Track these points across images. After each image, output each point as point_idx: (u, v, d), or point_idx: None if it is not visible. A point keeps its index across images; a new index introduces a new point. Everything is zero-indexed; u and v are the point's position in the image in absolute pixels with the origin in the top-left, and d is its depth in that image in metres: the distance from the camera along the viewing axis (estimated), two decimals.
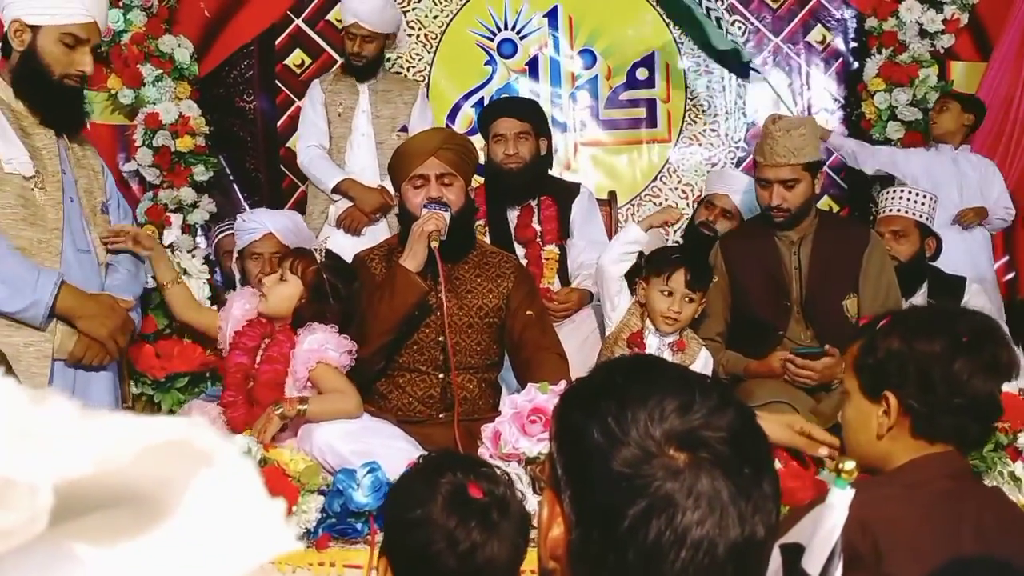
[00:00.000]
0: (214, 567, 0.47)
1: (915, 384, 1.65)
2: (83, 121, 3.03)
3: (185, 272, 3.49)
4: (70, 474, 0.41)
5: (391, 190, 4.31)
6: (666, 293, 3.18)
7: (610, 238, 4.15)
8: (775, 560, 1.00)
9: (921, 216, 3.93)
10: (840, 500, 0.96)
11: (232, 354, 2.96)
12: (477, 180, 3.86)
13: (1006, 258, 5.11)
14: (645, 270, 3.27)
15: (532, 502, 2.50)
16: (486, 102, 5.32)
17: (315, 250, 3.05)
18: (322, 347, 2.83)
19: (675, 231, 5.17)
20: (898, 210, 3.92)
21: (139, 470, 0.44)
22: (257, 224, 3.70)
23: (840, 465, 1.01)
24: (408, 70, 5.33)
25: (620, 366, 0.98)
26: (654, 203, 5.35)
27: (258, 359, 2.93)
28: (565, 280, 3.90)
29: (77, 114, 2.94)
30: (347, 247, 4.02)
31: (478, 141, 4.89)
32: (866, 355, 1.72)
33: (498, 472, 1.61)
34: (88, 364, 2.84)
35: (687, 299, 3.19)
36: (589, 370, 1.01)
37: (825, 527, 0.97)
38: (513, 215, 3.91)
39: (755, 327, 3.48)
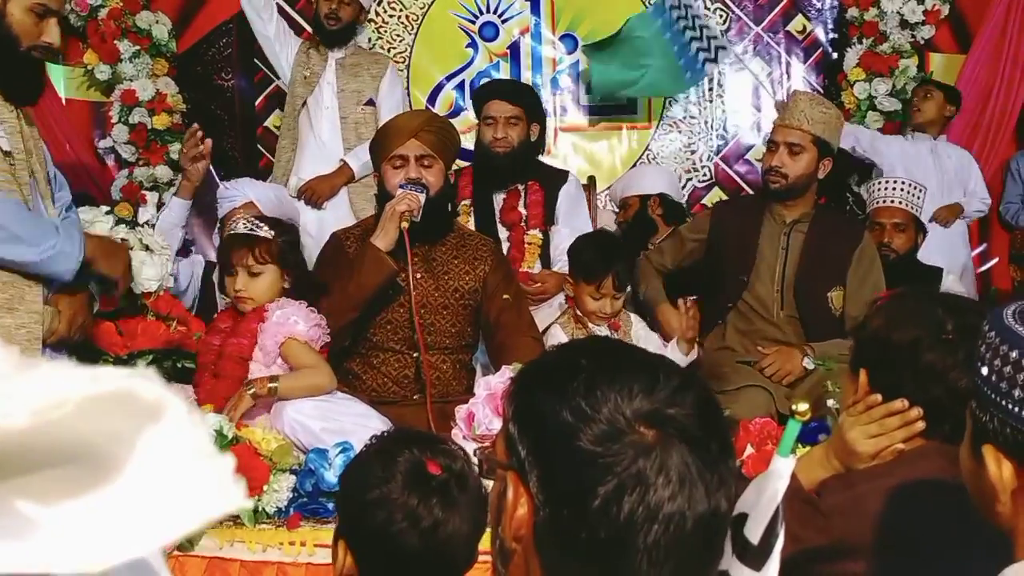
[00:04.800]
0: (160, 524, 0.46)
1: (883, 370, 1.65)
2: (41, 93, 2.95)
3: (147, 248, 3.44)
4: (5, 424, 0.40)
5: (351, 164, 4.29)
6: (597, 298, 3.24)
7: (592, 225, 4.17)
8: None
9: (917, 210, 3.95)
10: (782, 468, 0.97)
11: (207, 335, 2.96)
12: (459, 163, 3.85)
13: (982, 247, 5.14)
14: (572, 272, 3.32)
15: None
16: (467, 85, 5.30)
17: (242, 223, 2.98)
18: (290, 320, 2.81)
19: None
20: (900, 202, 3.93)
21: (83, 423, 0.43)
22: (238, 192, 3.70)
23: (793, 407, 1.01)
24: (389, 51, 5.29)
25: (582, 349, 1.00)
26: (612, 199, 5.34)
27: None
28: (546, 266, 3.90)
29: (40, 86, 2.86)
30: (309, 219, 4.04)
31: (460, 124, 4.89)
32: (859, 329, 1.72)
33: (453, 447, 1.60)
34: (71, 340, 2.81)
35: (615, 297, 3.27)
36: (542, 354, 1.01)
37: (767, 495, 0.97)
38: (499, 198, 3.90)
39: (716, 291, 3.52)
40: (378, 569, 1.51)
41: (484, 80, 5.08)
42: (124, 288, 2.95)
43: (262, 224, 2.92)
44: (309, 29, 5.10)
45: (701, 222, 3.69)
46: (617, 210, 4.84)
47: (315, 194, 4.23)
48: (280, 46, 4.38)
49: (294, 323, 2.81)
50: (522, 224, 3.87)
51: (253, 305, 2.89)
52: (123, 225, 4.11)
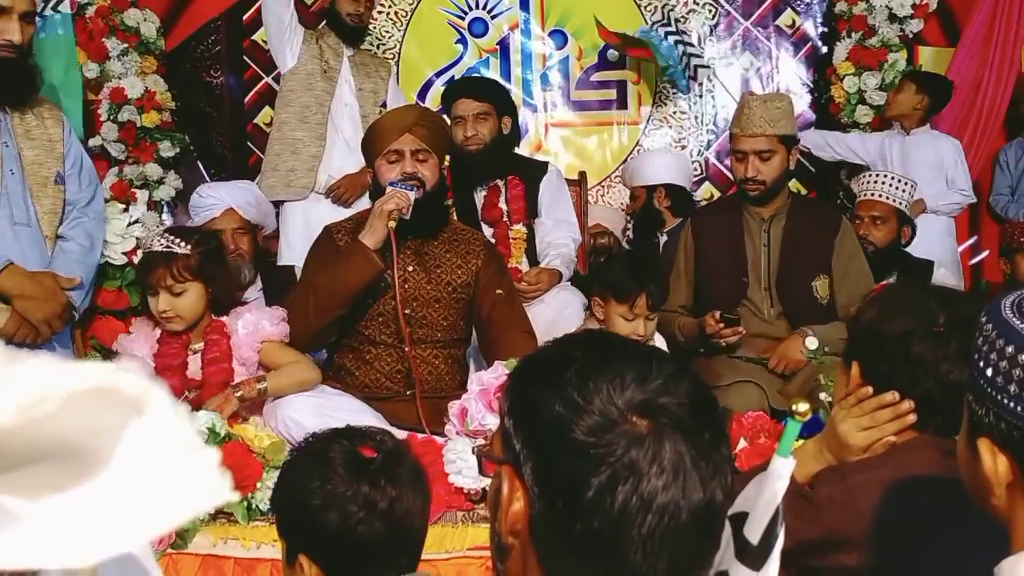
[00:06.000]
0: (147, 518, 0.45)
1: (875, 362, 1.65)
2: (29, 91, 2.90)
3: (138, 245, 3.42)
4: None
5: None
6: (629, 318, 3.12)
7: (579, 218, 4.17)
8: (727, 530, 1.00)
9: (901, 203, 3.95)
10: (782, 469, 0.96)
11: (163, 374, 2.85)
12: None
13: (973, 239, 5.15)
14: (603, 292, 3.19)
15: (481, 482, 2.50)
16: None
17: (157, 240, 2.88)
18: (258, 325, 2.80)
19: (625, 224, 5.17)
20: (880, 195, 3.94)
21: (68, 419, 0.42)
22: (216, 199, 3.64)
23: (793, 407, 1.00)
24: (378, 47, 5.28)
25: (576, 341, 0.99)
26: (624, 184, 5.35)
27: (197, 365, 2.87)
28: (533, 259, 3.90)
29: (18, 84, 2.82)
30: (329, 217, 3.96)
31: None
32: (851, 321, 1.72)
33: (372, 429, 1.60)
34: (17, 343, 2.77)
35: (649, 318, 3.15)
36: (539, 348, 1.01)
37: (766, 495, 0.96)
38: (480, 195, 3.90)
39: (715, 299, 3.50)
40: (347, 569, 1.48)
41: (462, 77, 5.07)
42: (41, 337, 2.85)
43: (178, 240, 2.84)
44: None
45: (683, 246, 3.63)
46: (627, 201, 4.84)
47: (348, 192, 4.19)
48: (291, 33, 4.34)
49: (263, 326, 2.81)
50: (505, 220, 3.87)
51: (182, 324, 2.83)
52: (138, 224, 4.13)
